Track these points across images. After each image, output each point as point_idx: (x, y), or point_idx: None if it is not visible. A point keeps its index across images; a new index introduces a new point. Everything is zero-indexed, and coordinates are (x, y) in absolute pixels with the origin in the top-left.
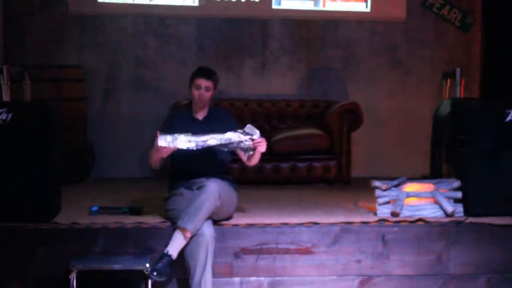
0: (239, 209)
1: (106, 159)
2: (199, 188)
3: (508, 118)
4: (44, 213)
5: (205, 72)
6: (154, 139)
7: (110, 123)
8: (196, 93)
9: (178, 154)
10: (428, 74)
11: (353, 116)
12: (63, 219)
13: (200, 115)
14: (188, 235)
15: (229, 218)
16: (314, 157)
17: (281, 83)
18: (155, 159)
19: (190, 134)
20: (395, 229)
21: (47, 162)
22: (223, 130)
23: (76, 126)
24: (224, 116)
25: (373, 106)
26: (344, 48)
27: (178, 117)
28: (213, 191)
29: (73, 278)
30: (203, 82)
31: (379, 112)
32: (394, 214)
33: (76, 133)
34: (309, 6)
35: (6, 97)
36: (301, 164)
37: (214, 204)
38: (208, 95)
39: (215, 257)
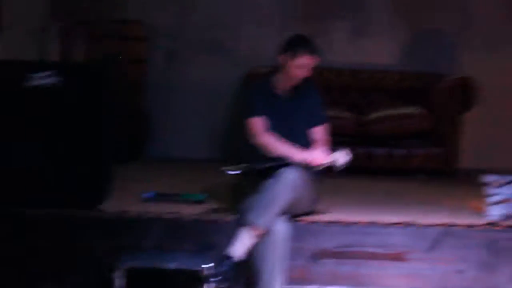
0: (320, 203)
1: (166, 134)
2: (274, 175)
3: None
4: (91, 198)
5: (313, 50)
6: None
7: (173, 91)
8: (296, 71)
9: None
10: None
11: (464, 94)
12: (111, 205)
13: (286, 91)
14: (258, 232)
15: (308, 213)
16: (414, 141)
17: (378, 51)
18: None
19: None
20: (508, 235)
21: (99, 135)
22: (308, 110)
23: (133, 93)
24: (312, 93)
25: (491, 81)
26: (457, 8)
27: (260, 95)
28: (290, 181)
29: (121, 277)
30: (308, 61)
31: (498, 90)
32: (507, 217)
33: (132, 102)
34: None
35: (54, 56)
36: (398, 151)
37: (290, 197)
38: (309, 73)
39: (288, 259)
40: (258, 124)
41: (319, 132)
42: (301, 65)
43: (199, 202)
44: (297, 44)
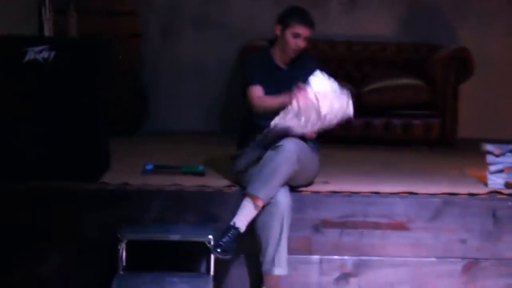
0: (321, 174)
1: (163, 108)
2: (275, 148)
3: None
4: (90, 171)
5: (308, 19)
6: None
7: (169, 66)
8: (293, 42)
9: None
10: None
11: (461, 65)
12: (112, 178)
13: (283, 63)
14: (260, 204)
15: (309, 184)
16: (413, 113)
17: (375, 22)
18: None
19: None
20: (510, 203)
21: (95, 109)
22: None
23: (129, 68)
24: (311, 64)
25: (488, 52)
26: None
27: (258, 65)
28: (291, 153)
29: (122, 249)
30: (305, 31)
31: (494, 60)
32: (509, 185)
33: (128, 77)
34: None
35: (48, 32)
36: (397, 121)
37: (291, 168)
38: (304, 45)
39: (291, 230)
40: (254, 92)
41: None
42: (296, 35)
43: (200, 174)
44: (291, 14)
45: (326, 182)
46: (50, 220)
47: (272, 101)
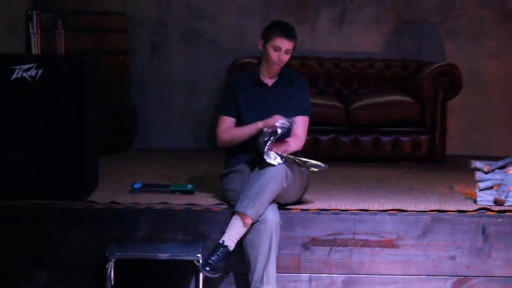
0: (310, 191)
1: (152, 126)
2: (263, 166)
3: None
4: (78, 190)
5: (288, 31)
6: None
7: (158, 83)
8: (274, 55)
9: (243, 121)
10: None
11: (450, 81)
12: (100, 197)
13: (270, 80)
14: (249, 221)
15: (297, 202)
16: (401, 129)
17: (363, 39)
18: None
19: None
20: (499, 220)
21: (83, 128)
22: (294, 99)
23: (117, 85)
24: (299, 82)
25: (476, 68)
26: None
27: (242, 84)
28: (279, 171)
29: (111, 268)
30: (285, 44)
31: (482, 76)
32: (498, 202)
33: (117, 94)
34: None
35: (35, 50)
36: (385, 138)
37: (280, 186)
38: (287, 58)
39: (280, 248)
40: (222, 123)
41: (298, 121)
42: (277, 47)
43: (189, 192)
44: (273, 28)
45: (314, 200)
46: (37, 239)
47: (242, 130)
